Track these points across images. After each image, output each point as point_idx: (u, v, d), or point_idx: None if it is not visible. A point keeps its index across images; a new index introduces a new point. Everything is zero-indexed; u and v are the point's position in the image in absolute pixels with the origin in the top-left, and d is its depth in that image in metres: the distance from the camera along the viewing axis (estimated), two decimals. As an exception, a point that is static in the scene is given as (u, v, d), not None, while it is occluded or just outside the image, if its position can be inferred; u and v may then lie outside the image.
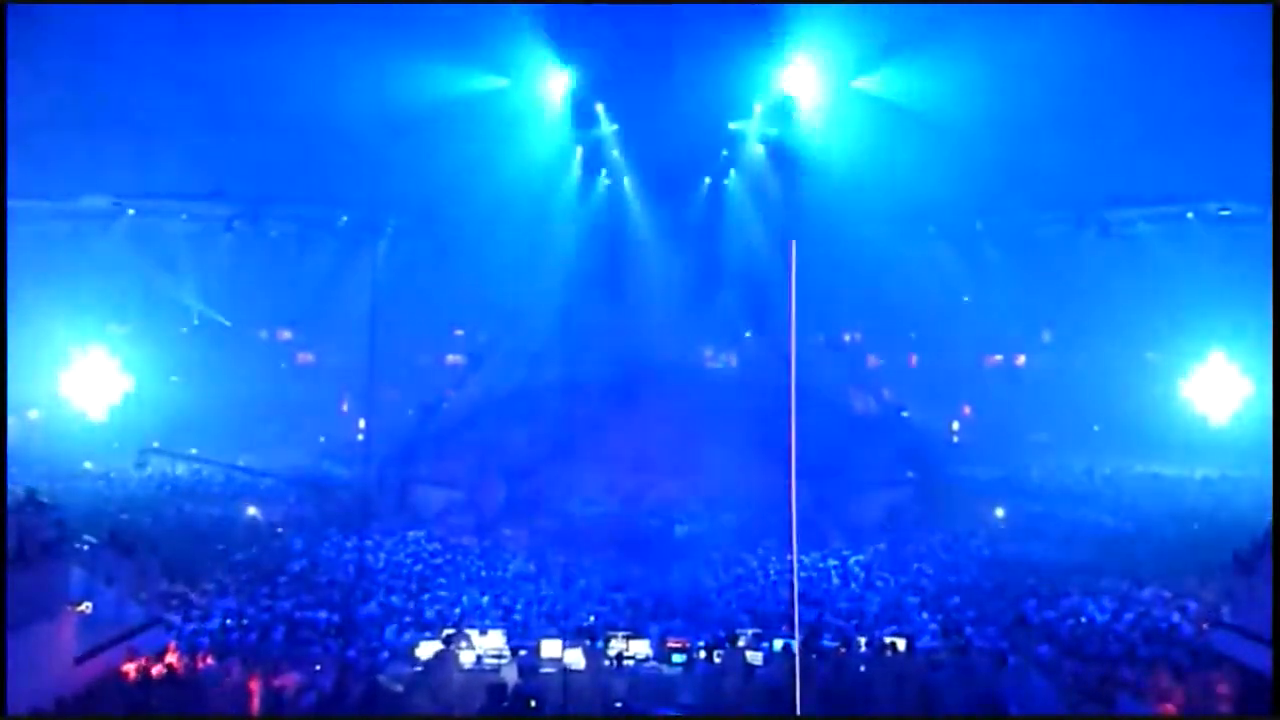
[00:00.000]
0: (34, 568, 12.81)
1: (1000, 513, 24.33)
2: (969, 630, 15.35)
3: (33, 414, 28.60)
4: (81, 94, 21.99)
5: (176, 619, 15.60)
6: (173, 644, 14.44)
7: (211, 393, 29.83)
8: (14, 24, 14.95)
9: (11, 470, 25.07)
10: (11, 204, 26.79)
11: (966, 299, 30.85)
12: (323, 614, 16.24)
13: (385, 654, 14.55)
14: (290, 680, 12.97)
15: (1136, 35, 20.06)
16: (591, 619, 16.43)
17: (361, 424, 31.13)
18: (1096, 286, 29.64)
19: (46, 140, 23.79)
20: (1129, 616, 15.92)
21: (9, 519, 12.66)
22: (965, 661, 13.67)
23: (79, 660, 13.19)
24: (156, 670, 13.33)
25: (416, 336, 32.20)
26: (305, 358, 33.61)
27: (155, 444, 27.31)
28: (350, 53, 20.82)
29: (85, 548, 15.14)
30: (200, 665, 13.56)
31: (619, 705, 12.88)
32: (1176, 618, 15.75)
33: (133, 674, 13.24)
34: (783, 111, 26.00)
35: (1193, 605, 16.23)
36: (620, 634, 14.75)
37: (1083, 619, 15.91)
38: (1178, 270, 27.47)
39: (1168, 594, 16.91)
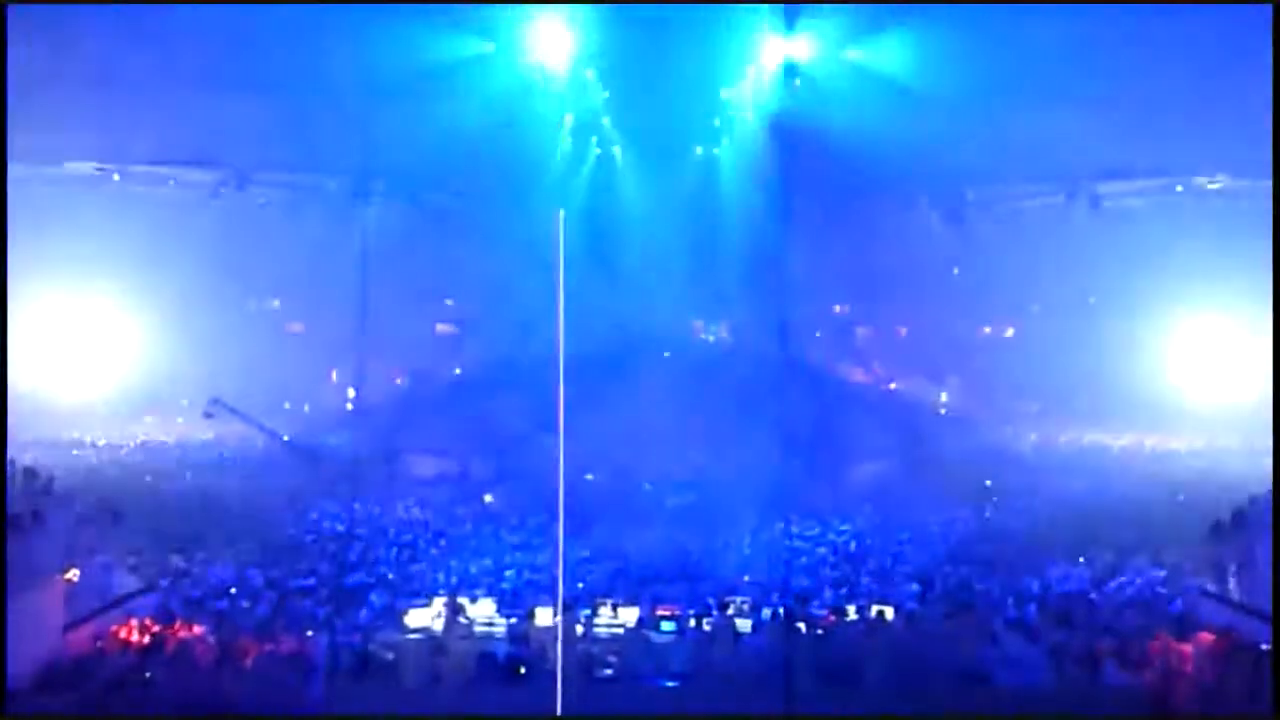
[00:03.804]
0: (22, 536, 12.76)
1: (988, 483, 24.48)
2: (956, 599, 15.50)
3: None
4: (64, 57, 21.60)
5: (167, 586, 15.60)
6: (163, 611, 14.45)
7: (198, 362, 29.63)
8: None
9: (-3, 438, 24.92)
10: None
11: (956, 270, 30.80)
12: (313, 581, 16.27)
13: (376, 621, 14.59)
14: (282, 647, 13.01)
15: (1129, 9, 19.93)
16: (580, 586, 16.50)
17: (351, 393, 31.02)
18: (1086, 259, 29.63)
19: (28, 105, 23.42)
20: (1115, 585, 16.10)
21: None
22: (953, 630, 13.82)
23: (67, 629, 13.17)
24: (147, 638, 13.34)
25: (406, 305, 31.97)
26: (294, 327, 33.35)
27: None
28: (337, 16, 20.49)
29: (73, 515, 15.08)
30: (191, 632, 13.57)
31: (609, 672, 12.98)
32: (1161, 587, 15.94)
33: (123, 642, 13.25)
34: (774, 80, 25.76)
35: (1177, 574, 16.41)
36: (610, 602, 14.84)
37: (1069, 588, 16.07)
38: (1167, 243, 27.48)
39: (1152, 563, 17.08)
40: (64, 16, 20.36)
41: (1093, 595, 15.74)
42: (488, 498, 23.60)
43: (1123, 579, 16.50)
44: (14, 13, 15.33)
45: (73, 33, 20.85)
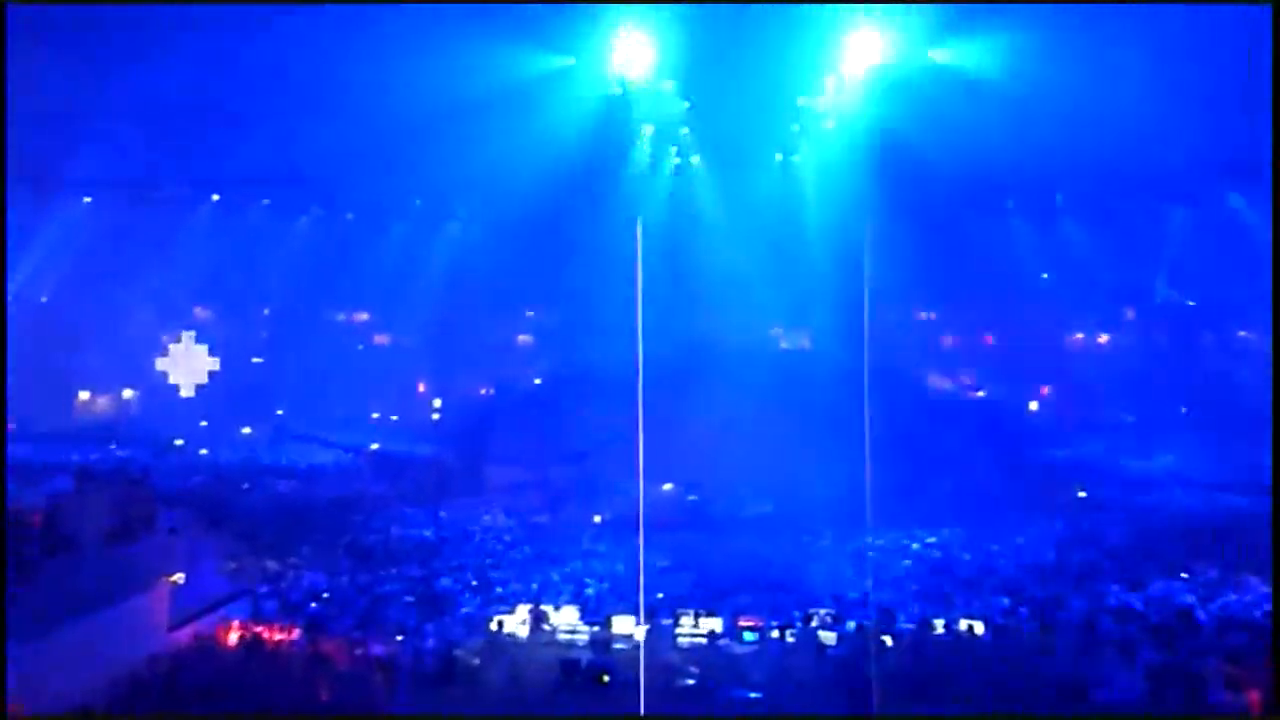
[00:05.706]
0: (133, 541, 13.45)
1: (1082, 494, 23.70)
2: (1049, 614, 15.03)
3: (127, 393, 29.88)
4: (165, 86, 22.74)
5: (263, 590, 16.15)
6: (258, 614, 14.96)
7: (291, 373, 30.75)
8: (108, 16, 15.38)
9: (109, 446, 26.34)
10: (99, 193, 28.08)
11: (1045, 276, 29.98)
12: (401, 587, 16.66)
13: (462, 627, 14.86)
14: (371, 651, 13.36)
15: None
16: (660, 595, 16.49)
17: (437, 404, 31.77)
18: (1183, 262, 28.51)
19: (133, 130, 24.71)
20: (1217, 604, 15.40)
21: (112, 494, 13.36)
22: (1046, 646, 13.42)
23: (172, 629, 13.78)
24: (244, 639, 13.85)
25: (489, 317, 32.61)
26: (381, 339, 34.32)
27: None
28: (420, 38, 21.03)
29: (178, 522, 15.77)
30: (285, 635, 14.03)
31: (691, 682, 12.96)
32: (1269, 606, 15.17)
33: (221, 642, 13.79)
34: (854, 85, 25.44)
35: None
36: (692, 612, 14.81)
37: (1170, 604, 15.43)
38: (1270, 243, 26.23)
39: (1259, 581, 16.27)
40: (163, 49, 21.42)
41: (1196, 612, 15.06)
42: (597, 518, 23.40)
43: (1230, 596, 15.77)
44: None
45: (171, 64, 21.89)
